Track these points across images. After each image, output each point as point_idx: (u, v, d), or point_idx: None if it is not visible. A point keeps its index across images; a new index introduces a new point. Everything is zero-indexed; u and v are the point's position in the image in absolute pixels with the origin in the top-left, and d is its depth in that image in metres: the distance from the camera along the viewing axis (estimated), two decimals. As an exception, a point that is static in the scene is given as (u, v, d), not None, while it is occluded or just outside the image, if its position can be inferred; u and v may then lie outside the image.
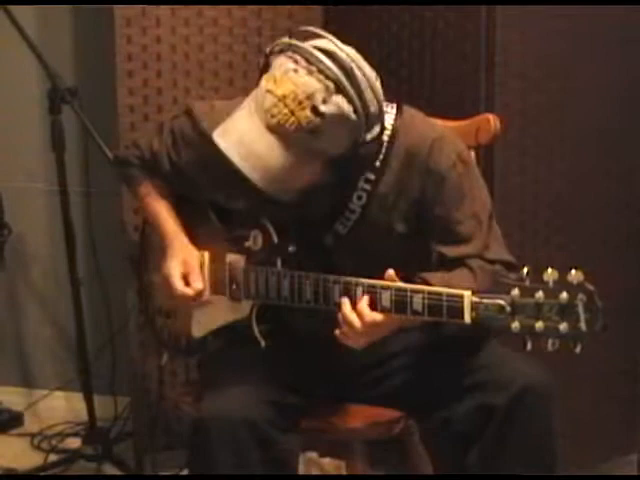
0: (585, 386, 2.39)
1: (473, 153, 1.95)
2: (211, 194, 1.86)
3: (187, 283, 1.81)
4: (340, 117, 1.58)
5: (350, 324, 1.61)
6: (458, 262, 1.72)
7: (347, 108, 1.57)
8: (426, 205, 1.74)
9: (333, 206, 1.77)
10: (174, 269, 1.81)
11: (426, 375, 1.76)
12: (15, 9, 2.38)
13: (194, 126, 1.85)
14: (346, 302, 1.63)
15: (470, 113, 2.05)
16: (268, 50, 1.66)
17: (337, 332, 1.64)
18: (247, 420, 1.60)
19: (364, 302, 1.61)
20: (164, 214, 1.92)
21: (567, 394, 2.25)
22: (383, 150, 1.74)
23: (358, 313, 1.61)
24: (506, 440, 1.65)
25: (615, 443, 2.48)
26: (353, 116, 1.58)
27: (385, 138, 1.73)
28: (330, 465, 2.56)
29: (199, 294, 1.80)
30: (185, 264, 1.82)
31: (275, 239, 1.75)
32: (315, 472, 2.57)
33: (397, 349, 1.81)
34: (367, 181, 1.75)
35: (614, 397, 2.46)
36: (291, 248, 1.75)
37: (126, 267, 2.24)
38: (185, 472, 2.43)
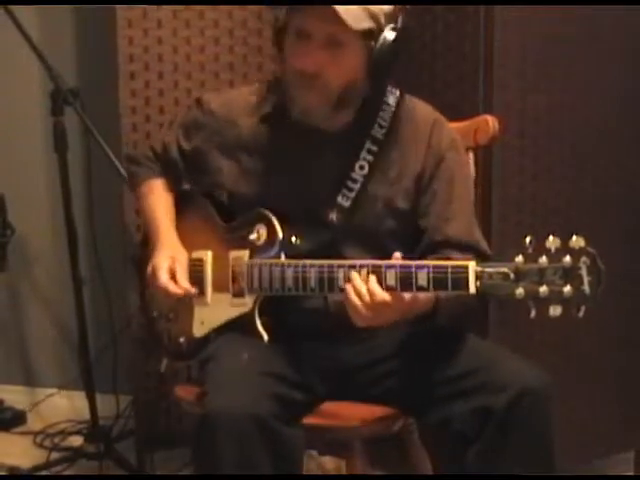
0: (582, 384, 2.39)
1: (472, 154, 1.97)
2: (218, 177, 1.88)
3: (173, 279, 1.83)
4: None
5: (359, 294, 1.60)
6: (442, 247, 1.76)
7: None
8: (424, 182, 1.80)
9: (336, 175, 1.80)
10: (162, 262, 1.84)
11: (425, 375, 1.76)
12: (18, 11, 2.40)
13: (204, 110, 1.90)
14: (356, 276, 1.62)
15: (469, 114, 2.07)
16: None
17: (348, 308, 1.62)
18: (253, 415, 1.59)
19: (373, 281, 1.60)
20: (160, 212, 1.94)
21: (564, 392, 2.26)
22: (386, 125, 1.80)
23: (369, 291, 1.60)
24: (504, 441, 1.65)
25: (612, 441, 2.48)
26: None
27: (389, 115, 1.80)
28: (330, 463, 2.57)
29: (186, 293, 1.82)
30: (173, 261, 1.84)
31: (280, 232, 1.78)
32: (315, 470, 2.57)
33: (397, 348, 1.82)
34: (369, 152, 1.80)
35: (611, 395, 2.47)
36: (295, 240, 1.77)
37: (128, 267, 2.25)
38: (186, 470, 2.46)
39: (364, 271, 1.63)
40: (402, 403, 1.82)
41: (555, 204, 2.33)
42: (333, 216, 1.80)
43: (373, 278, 1.61)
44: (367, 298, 1.60)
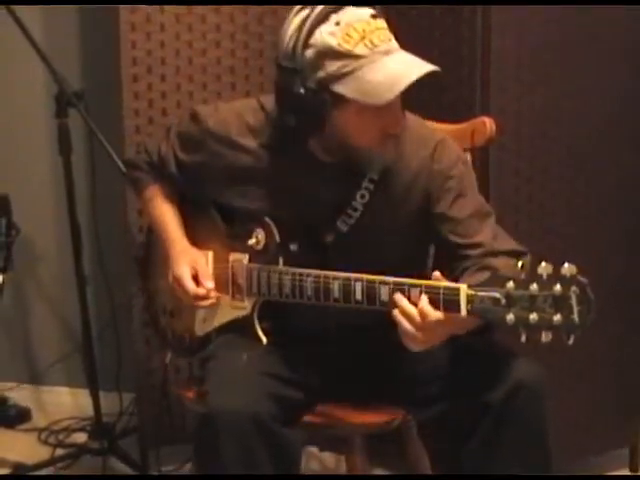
0: (579, 381, 2.41)
1: (469, 155, 1.99)
2: (218, 193, 1.89)
3: (198, 283, 1.84)
4: None
5: (410, 317, 1.56)
6: (476, 260, 1.73)
7: None
8: (430, 205, 1.79)
9: (337, 203, 1.80)
10: (184, 272, 1.85)
11: (423, 372, 1.77)
12: (22, 14, 2.40)
13: (201, 128, 1.88)
14: (401, 297, 1.58)
15: (466, 116, 2.09)
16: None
17: (400, 332, 1.59)
18: (252, 414, 1.61)
19: (425, 301, 1.56)
20: (167, 218, 1.96)
21: (561, 390, 2.29)
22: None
23: (420, 312, 1.56)
24: (501, 436, 1.67)
25: (608, 438, 2.50)
26: None
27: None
28: (330, 459, 2.60)
29: (211, 292, 1.84)
30: (193, 265, 1.86)
31: (277, 238, 1.79)
32: (315, 466, 2.60)
33: (395, 347, 1.81)
34: (371, 181, 1.79)
35: (607, 393, 2.48)
36: (293, 246, 1.78)
37: (131, 266, 2.27)
38: (189, 466, 2.49)
39: (358, 285, 1.64)
40: (401, 400, 1.84)
41: (552, 205, 2.34)
42: (330, 238, 1.81)
43: (425, 298, 1.56)
44: (418, 319, 1.56)
